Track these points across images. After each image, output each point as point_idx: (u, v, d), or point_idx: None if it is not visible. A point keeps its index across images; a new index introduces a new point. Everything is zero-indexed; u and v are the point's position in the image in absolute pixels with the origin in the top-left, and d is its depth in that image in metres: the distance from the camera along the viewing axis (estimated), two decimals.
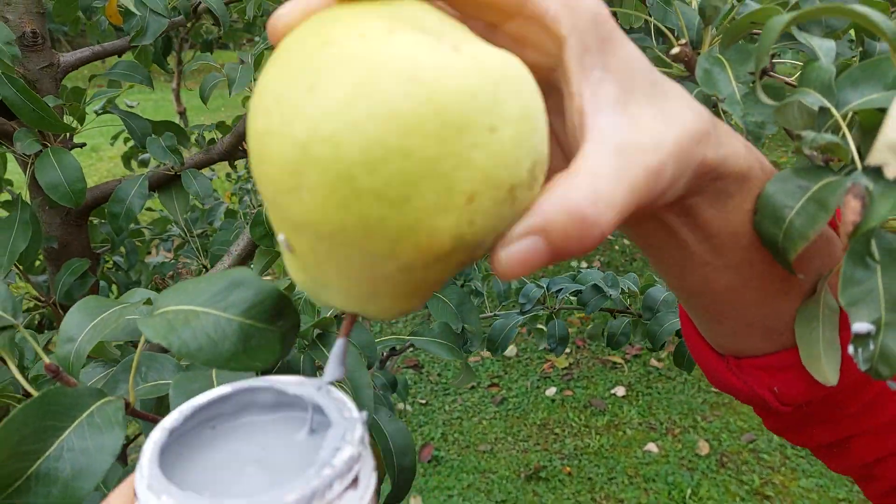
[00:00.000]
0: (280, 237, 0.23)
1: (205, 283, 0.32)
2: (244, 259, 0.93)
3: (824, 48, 0.42)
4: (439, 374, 3.01)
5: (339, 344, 0.26)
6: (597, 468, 2.36)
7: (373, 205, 0.20)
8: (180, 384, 0.38)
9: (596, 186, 0.22)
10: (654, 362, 3.01)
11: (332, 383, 0.26)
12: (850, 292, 0.31)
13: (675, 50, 0.50)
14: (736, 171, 0.30)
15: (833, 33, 0.51)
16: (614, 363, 3.05)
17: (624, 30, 0.30)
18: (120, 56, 1.08)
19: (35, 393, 0.33)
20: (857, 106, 0.38)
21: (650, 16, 0.56)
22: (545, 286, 1.10)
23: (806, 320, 0.34)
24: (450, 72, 0.20)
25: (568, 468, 2.37)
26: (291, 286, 0.46)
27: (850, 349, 0.30)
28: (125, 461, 0.85)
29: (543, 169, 0.23)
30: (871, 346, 0.29)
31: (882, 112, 0.35)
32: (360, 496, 0.23)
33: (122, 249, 1.10)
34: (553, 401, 2.80)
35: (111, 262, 1.21)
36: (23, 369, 0.50)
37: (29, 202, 0.79)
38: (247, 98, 1.12)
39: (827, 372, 0.32)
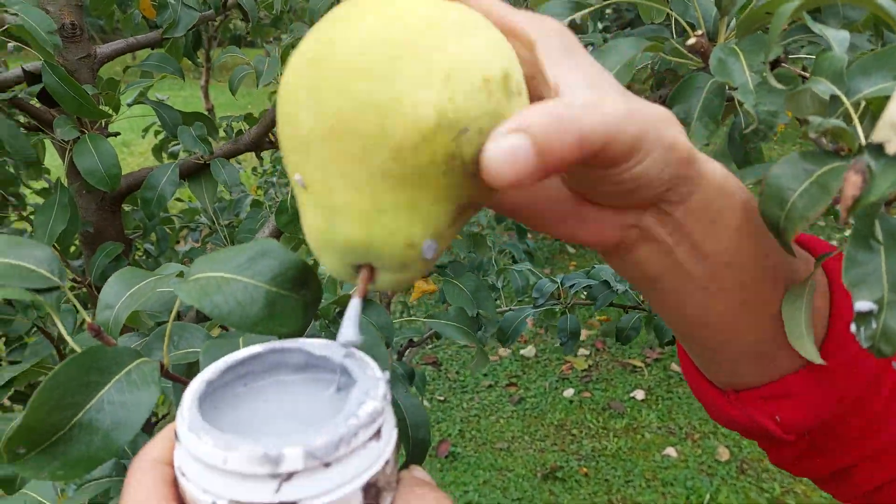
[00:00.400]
0: (296, 177, 0.26)
1: (234, 252, 0.35)
2: None
3: (838, 38, 0.43)
4: (457, 372, 3.03)
5: (353, 304, 0.27)
6: (614, 470, 2.36)
7: (362, 83, 0.23)
8: (210, 351, 0.41)
9: (570, 101, 0.26)
10: (674, 367, 2.98)
11: (348, 345, 0.28)
12: (853, 272, 0.31)
13: (692, 41, 0.51)
14: (715, 180, 0.32)
15: (851, 25, 0.51)
16: (634, 367, 3.03)
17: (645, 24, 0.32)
18: (152, 49, 1.12)
19: (79, 350, 0.36)
20: (869, 95, 0.39)
21: (671, 10, 0.57)
22: (559, 281, 1.11)
23: (792, 300, 0.35)
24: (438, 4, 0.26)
25: (585, 469, 2.37)
26: (316, 263, 0.48)
27: (853, 327, 0.30)
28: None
29: (521, 88, 0.27)
30: (874, 325, 0.30)
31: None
32: (382, 448, 0.25)
33: (154, 236, 1.14)
34: (571, 402, 2.80)
35: (142, 250, 1.25)
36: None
37: (66, 187, 0.83)
38: (273, 92, 1.14)
39: (811, 350, 0.33)
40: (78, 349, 0.34)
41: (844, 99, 0.39)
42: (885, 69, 0.39)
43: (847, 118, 0.39)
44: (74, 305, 0.38)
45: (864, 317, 0.30)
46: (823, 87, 0.40)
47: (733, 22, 0.51)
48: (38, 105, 0.93)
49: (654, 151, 0.28)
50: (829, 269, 0.39)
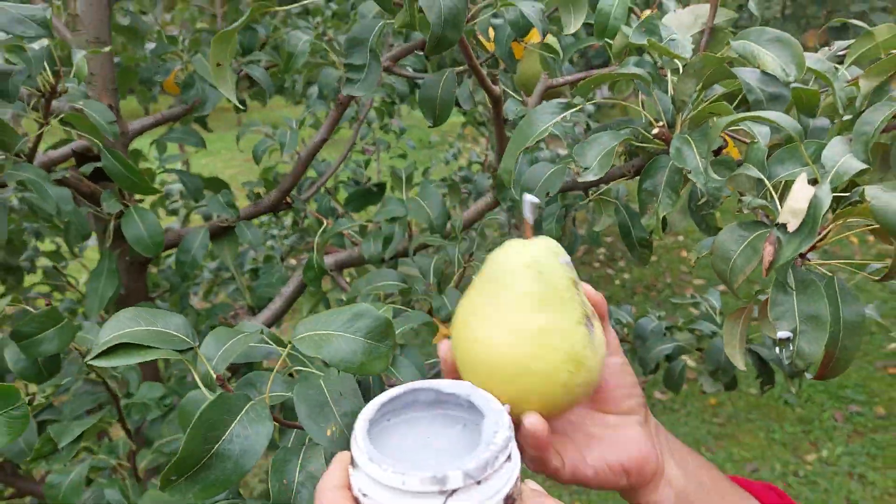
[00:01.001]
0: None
1: (336, 314, 0.47)
2: (292, 300, 1.07)
3: (762, 132, 0.58)
4: None
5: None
6: (604, 502, 2.45)
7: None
8: (300, 392, 0.52)
9: None
10: (657, 395, 3.12)
11: None
12: (776, 310, 0.45)
13: (656, 130, 0.66)
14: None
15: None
16: None
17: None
18: (176, 121, 1.24)
19: (210, 395, 0.47)
20: (783, 178, 0.54)
21: (643, 108, 0.72)
22: None
23: (731, 325, 0.49)
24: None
25: (577, 503, 2.46)
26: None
27: (777, 349, 0.44)
28: None
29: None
30: (791, 347, 0.44)
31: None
32: (514, 467, 0.33)
33: (176, 295, 1.24)
34: None
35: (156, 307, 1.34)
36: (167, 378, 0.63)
37: (113, 256, 0.93)
38: (283, 163, 1.26)
39: (739, 359, 0.48)
40: (209, 395, 0.45)
41: (767, 182, 0.54)
42: (794, 159, 0.55)
43: (769, 195, 0.54)
44: (203, 361, 0.49)
45: (784, 342, 0.44)
46: (752, 172, 0.55)
47: (689, 113, 0.66)
48: (81, 179, 1.04)
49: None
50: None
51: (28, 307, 0.68)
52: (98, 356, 0.43)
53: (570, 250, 1.23)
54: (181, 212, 1.90)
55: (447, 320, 0.79)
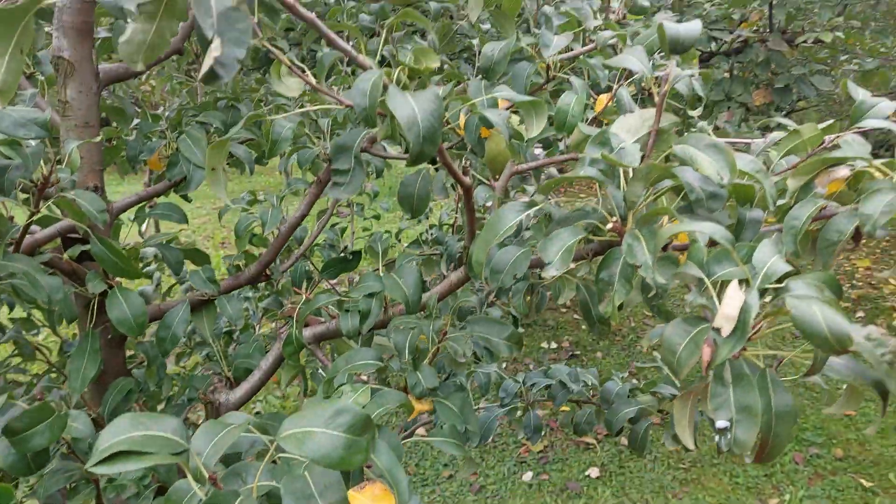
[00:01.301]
0: None
1: (319, 410, 0.51)
2: (271, 372, 1.10)
3: (703, 235, 0.65)
4: (417, 465, 3.10)
5: None
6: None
7: None
8: (286, 485, 0.56)
9: None
10: (624, 441, 3.17)
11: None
12: (715, 401, 0.51)
13: (609, 225, 0.73)
14: None
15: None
16: (587, 444, 3.20)
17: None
18: (159, 196, 1.29)
19: (200, 493, 0.50)
20: (720, 277, 0.61)
21: (599, 206, 0.79)
22: (521, 381, 1.29)
23: (682, 404, 0.55)
24: None
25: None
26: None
27: (716, 438, 0.50)
28: None
29: None
30: (729, 436, 0.50)
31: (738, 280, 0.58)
32: None
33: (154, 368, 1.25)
34: (530, 486, 2.91)
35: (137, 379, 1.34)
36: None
37: (96, 335, 0.96)
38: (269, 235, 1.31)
39: (689, 440, 0.53)
40: (199, 493, 0.49)
41: (707, 281, 0.61)
42: (729, 260, 0.62)
43: (709, 294, 0.61)
44: (197, 463, 0.53)
45: (723, 430, 0.50)
46: (693, 272, 0.62)
47: (639, 213, 0.73)
48: (63, 258, 1.07)
49: None
50: None
51: (20, 403, 0.70)
52: (98, 463, 0.47)
53: (538, 309, 1.30)
54: (156, 274, 1.92)
55: (422, 396, 0.83)
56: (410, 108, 0.62)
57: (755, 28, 3.36)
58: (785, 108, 3.36)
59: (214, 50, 0.49)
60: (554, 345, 4.23)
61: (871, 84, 3.43)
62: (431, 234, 2.42)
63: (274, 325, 1.53)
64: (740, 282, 0.60)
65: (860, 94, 1.00)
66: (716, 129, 3.06)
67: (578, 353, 4.12)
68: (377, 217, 2.54)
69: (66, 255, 1.00)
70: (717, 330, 0.52)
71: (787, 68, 3.28)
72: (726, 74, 3.48)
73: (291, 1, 0.61)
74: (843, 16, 3.21)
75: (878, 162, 0.75)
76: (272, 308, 1.65)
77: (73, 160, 0.88)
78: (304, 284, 1.28)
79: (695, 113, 1.07)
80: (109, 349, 1.18)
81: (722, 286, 0.62)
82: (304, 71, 0.73)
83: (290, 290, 1.66)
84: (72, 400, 0.94)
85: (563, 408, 1.29)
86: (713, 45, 3.34)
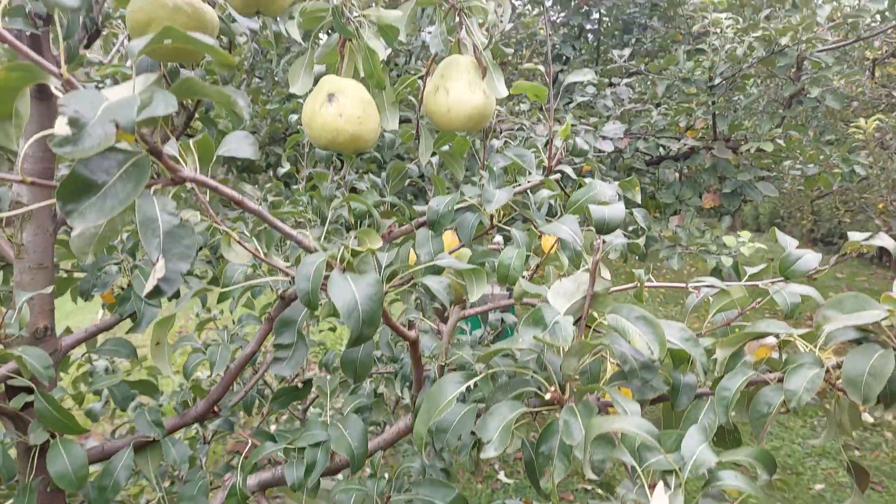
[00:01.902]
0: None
1: None
2: None
3: (630, 412, 0.68)
4: None
5: None
6: None
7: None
8: None
9: None
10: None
11: None
12: None
13: (548, 395, 0.76)
14: None
15: None
16: None
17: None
18: (107, 330, 1.27)
19: None
20: (650, 466, 0.63)
21: (535, 374, 0.82)
22: None
23: None
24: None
25: None
26: None
27: None
28: None
29: None
30: None
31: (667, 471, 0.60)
32: None
33: None
34: None
35: None
36: None
37: (34, 490, 0.92)
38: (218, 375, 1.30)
39: None
40: None
41: (639, 469, 0.63)
42: (660, 450, 0.64)
43: (641, 483, 0.62)
44: None
45: None
46: (626, 458, 0.64)
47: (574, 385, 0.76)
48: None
49: None
50: None
51: None
52: None
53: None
54: (104, 391, 1.86)
55: None
56: (351, 294, 0.65)
57: (700, 136, 3.59)
58: (733, 210, 3.54)
59: (159, 271, 0.51)
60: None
61: (814, 187, 3.65)
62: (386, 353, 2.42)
63: (224, 451, 1.49)
64: (668, 472, 0.62)
65: (787, 242, 1.08)
66: (672, 236, 3.17)
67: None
68: (333, 329, 2.52)
69: (10, 405, 0.98)
70: None
71: (734, 175, 3.48)
72: (676, 175, 3.67)
73: (240, 198, 0.65)
74: (781, 127, 3.46)
75: (798, 332, 0.80)
76: (222, 430, 1.61)
77: (23, 317, 0.88)
78: (254, 417, 1.26)
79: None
80: (46, 495, 1.13)
81: (654, 475, 0.64)
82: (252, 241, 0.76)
83: (239, 411, 1.63)
84: None
85: None
86: (661, 151, 3.54)
